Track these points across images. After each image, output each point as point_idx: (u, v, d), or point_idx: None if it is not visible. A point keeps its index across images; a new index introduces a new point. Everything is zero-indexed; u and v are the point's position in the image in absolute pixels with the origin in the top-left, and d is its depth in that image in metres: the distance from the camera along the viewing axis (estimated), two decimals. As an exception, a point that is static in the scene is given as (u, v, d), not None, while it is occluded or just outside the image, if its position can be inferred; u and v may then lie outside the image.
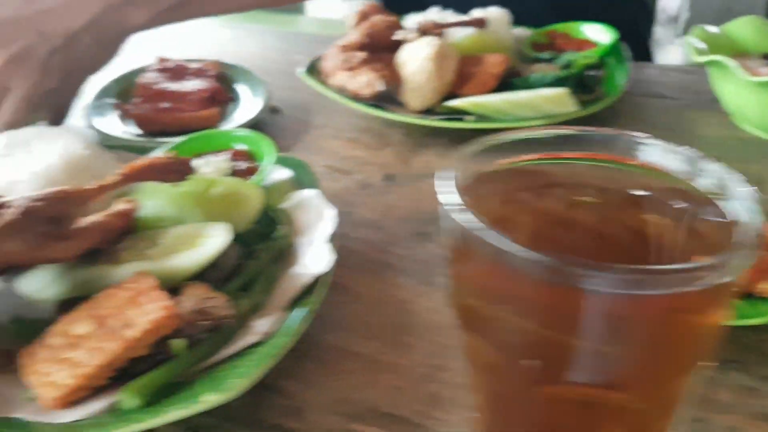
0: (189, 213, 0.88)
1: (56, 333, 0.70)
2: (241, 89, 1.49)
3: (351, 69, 1.30)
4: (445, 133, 1.32)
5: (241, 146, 1.08)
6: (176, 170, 0.85)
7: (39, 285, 0.81)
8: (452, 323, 0.84)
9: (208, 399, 0.64)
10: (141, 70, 1.50)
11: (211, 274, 0.81)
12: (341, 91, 1.36)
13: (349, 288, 0.91)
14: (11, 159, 0.94)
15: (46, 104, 1.20)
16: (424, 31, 1.39)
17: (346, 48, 1.33)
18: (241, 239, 0.86)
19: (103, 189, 0.80)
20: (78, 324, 0.70)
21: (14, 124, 1.14)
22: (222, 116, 1.36)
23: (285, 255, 0.88)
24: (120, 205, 0.84)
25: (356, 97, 1.33)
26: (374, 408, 0.73)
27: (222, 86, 1.47)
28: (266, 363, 0.68)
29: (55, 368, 0.67)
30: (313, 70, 1.48)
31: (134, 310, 0.70)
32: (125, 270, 0.78)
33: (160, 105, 1.34)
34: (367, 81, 1.30)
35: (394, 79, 1.30)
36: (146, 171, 0.84)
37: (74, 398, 0.66)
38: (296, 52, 1.85)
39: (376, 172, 1.21)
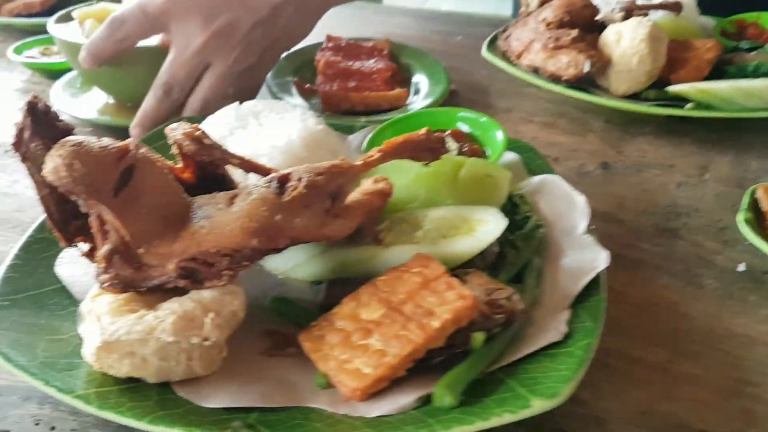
0: (439, 194, 0.81)
1: (344, 316, 0.65)
2: (413, 69, 1.43)
3: (558, 48, 1.21)
4: (650, 120, 1.22)
5: (463, 127, 1.01)
6: (431, 148, 0.79)
7: (292, 264, 0.77)
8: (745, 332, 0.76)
9: (540, 404, 0.57)
10: (313, 48, 1.46)
11: (476, 261, 0.75)
12: (535, 72, 1.28)
13: (608, 285, 0.82)
14: (244, 131, 0.89)
15: (240, 81, 1.16)
16: (628, 11, 1.29)
17: (551, 25, 1.24)
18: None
19: (368, 165, 0.74)
20: (368, 308, 0.64)
21: (211, 101, 1.10)
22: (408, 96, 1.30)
23: (543, 245, 0.80)
24: (377, 184, 0.78)
25: (554, 79, 1.24)
26: (684, 424, 0.65)
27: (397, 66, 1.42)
28: (583, 366, 0.61)
29: (352, 355, 0.61)
30: (491, 49, 1.40)
31: (431, 297, 0.63)
32: (396, 253, 0.72)
33: (346, 84, 1.28)
34: (570, 61, 1.21)
35: (601, 60, 1.20)
36: (402, 148, 0.78)
37: (375, 389, 0.60)
38: (448, 33, 1.78)
39: (589, 160, 1.12)
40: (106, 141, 0.62)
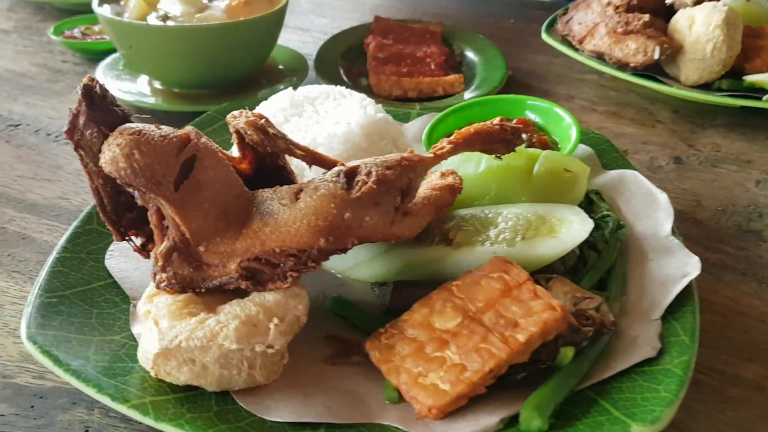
0: (512, 190, 0.75)
1: (416, 324, 0.60)
2: (466, 53, 1.36)
3: (627, 33, 1.13)
4: (721, 111, 1.14)
5: (531, 116, 0.94)
6: (505, 140, 0.73)
7: (352, 263, 0.71)
8: None
9: (640, 431, 0.51)
10: (361, 30, 1.40)
11: (556, 265, 0.69)
12: (599, 57, 1.21)
13: (690, 291, 0.76)
14: (300, 118, 0.84)
15: None
16: (700, -6, 1.20)
17: (619, 9, 1.17)
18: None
19: (438, 158, 0.69)
20: (442, 316, 0.59)
21: None
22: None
23: (625, 248, 0.74)
24: (446, 179, 0.72)
25: (621, 66, 1.16)
26: (789, 451, 0.59)
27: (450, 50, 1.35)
28: (684, 387, 0.55)
29: (427, 368, 0.56)
30: (549, 33, 1.33)
31: (514, 306, 0.58)
32: (468, 254, 0.67)
33: (399, 68, 1.22)
34: (638, 48, 1.14)
35: (672, 47, 1.13)
36: (474, 139, 0.72)
37: (454, 407, 0.55)
38: (498, 16, 1.70)
39: (660, 153, 1.05)
40: (167, 129, 0.57)
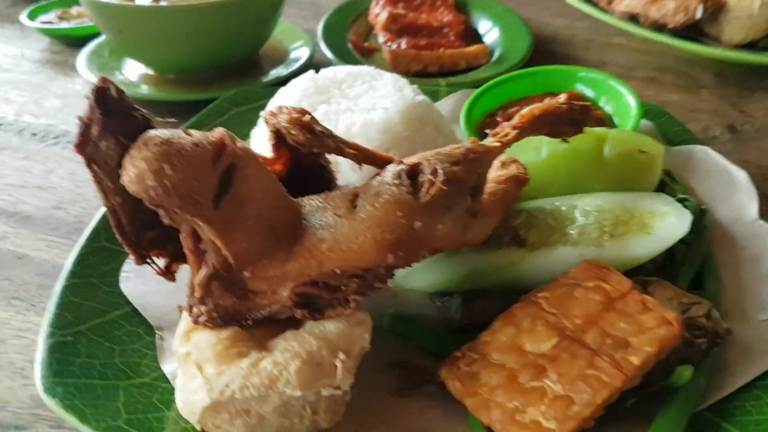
0: (582, 177, 0.66)
1: (502, 347, 0.51)
2: (482, 20, 1.25)
3: (664, -9, 1.04)
4: (766, 72, 1.06)
5: (582, 89, 0.85)
6: (575, 120, 0.64)
7: (405, 271, 0.62)
8: None
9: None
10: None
11: (645, 264, 0.60)
12: (632, 19, 1.11)
13: None
14: (329, 106, 0.74)
15: None
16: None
17: (656, -35, 1.07)
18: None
19: (504, 146, 0.59)
20: (533, 336, 0.50)
21: None
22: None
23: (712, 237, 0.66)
24: (508, 169, 0.63)
25: (657, 27, 1.07)
26: None
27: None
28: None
29: (524, 402, 0.47)
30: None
31: (621, 322, 0.49)
32: (549, 257, 0.58)
33: (416, 40, 1.11)
34: (678, 7, 1.04)
35: (715, 4, 1.03)
36: (540, 122, 0.62)
37: (561, 449, 0.47)
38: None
39: (711, 122, 0.96)
40: (197, 134, 0.47)
